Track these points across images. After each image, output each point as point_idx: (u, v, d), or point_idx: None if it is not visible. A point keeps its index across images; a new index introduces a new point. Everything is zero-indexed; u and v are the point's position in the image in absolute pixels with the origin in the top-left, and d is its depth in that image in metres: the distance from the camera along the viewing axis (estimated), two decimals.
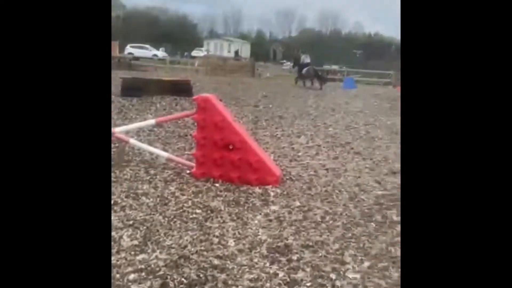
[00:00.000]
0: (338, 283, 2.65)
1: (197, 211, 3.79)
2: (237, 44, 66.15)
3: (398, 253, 3.06)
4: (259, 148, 4.97)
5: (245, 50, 66.38)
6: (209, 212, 3.78)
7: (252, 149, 4.58)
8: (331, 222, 3.64)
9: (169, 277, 2.62)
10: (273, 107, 11.54)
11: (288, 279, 2.66)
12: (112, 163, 5.06)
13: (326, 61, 49.37)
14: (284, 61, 54.03)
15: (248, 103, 12.12)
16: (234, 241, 3.18)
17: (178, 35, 65.14)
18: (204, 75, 25.06)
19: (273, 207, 3.96)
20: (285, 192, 4.39)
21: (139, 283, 2.56)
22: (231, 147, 4.69)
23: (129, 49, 43.65)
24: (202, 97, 4.67)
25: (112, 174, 4.67)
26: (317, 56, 38.48)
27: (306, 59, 21.75)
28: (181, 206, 3.88)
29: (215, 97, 4.84)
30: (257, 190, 4.39)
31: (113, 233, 3.19)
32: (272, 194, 4.30)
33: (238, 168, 4.56)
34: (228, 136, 4.57)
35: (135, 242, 3.10)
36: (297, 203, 4.09)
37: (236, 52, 43.27)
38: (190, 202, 3.99)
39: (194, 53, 52.75)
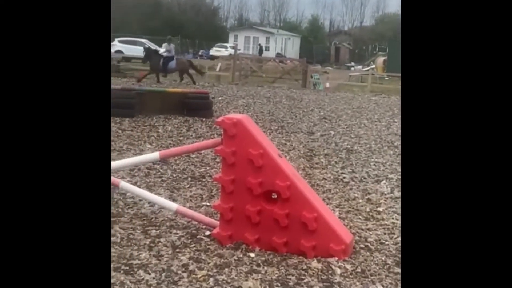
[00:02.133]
0: None
1: None
2: (280, 37, 67.06)
3: None
4: (317, 198, 4.98)
5: (293, 47, 67.15)
6: None
7: (307, 200, 4.59)
8: None
9: None
10: (336, 135, 11.57)
11: None
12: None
13: None
14: (352, 63, 54.25)
15: (299, 129, 12.23)
16: None
17: (190, 25, 66.81)
18: (230, 84, 25.51)
19: None
20: (358, 269, 4.36)
21: None
22: (274, 196, 4.70)
23: (117, 45, 45.15)
24: (230, 119, 4.75)
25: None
26: None
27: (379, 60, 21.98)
28: (198, 286, 3.90)
29: (250, 119, 4.93)
30: (315, 264, 4.37)
31: None
32: (338, 272, 4.28)
33: (285, 229, 4.57)
34: (270, 180, 4.61)
35: None
36: None
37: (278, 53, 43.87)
38: (211, 280, 4.00)
39: (214, 51, 53.91)
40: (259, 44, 55.56)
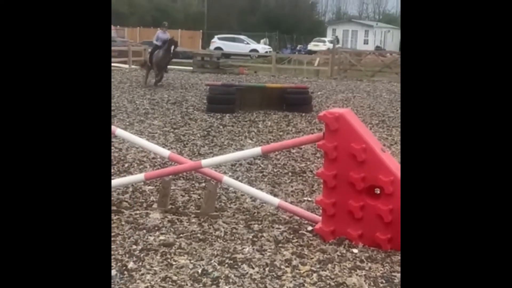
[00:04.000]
0: None
1: None
2: (379, 30, 65.99)
3: None
4: None
5: (393, 40, 65.85)
6: None
7: None
8: None
9: None
10: None
11: None
12: (197, 211, 5.32)
13: None
14: None
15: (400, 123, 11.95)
16: None
17: (288, 20, 66.99)
18: (329, 78, 25.37)
19: None
20: None
21: None
22: (378, 191, 4.63)
23: (217, 42, 46.10)
24: (332, 114, 4.71)
25: (199, 228, 4.90)
26: None
27: None
28: (302, 282, 3.92)
29: (352, 113, 4.87)
30: None
31: None
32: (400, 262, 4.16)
33: (389, 225, 4.50)
34: (374, 174, 4.55)
35: None
36: None
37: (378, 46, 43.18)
38: (314, 276, 4.01)
39: (313, 45, 53.76)
40: (336, 36, 54.20)
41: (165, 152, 5.86)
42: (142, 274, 3.94)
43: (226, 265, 4.15)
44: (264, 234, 4.83)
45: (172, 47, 17.30)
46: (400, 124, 10.52)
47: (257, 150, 5.50)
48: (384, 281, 3.97)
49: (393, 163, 4.75)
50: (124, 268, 4.02)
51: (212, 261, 4.19)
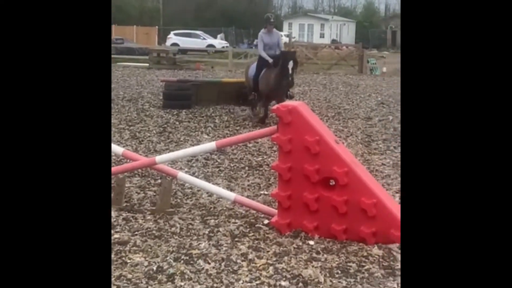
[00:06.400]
0: None
1: (283, 283, 3.78)
2: (335, 23, 66.52)
3: None
4: (376, 184, 4.90)
5: (348, 33, 66.45)
6: (301, 285, 3.76)
7: (366, 186, 4.53)
8: None
9: None
10: (394, 120, 11.39)
11: None
12: (153, 208, 5.27)
13: None
14: None
15: (356, 115, 12.10)
16: None
17: (244, 15, 66.97)
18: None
19: None
20: None
21: None
22: (332, 183, 4.66)
23: (173, 38, 45.75)
24: (285, 107, 4.72)
25: (154, 225, 4.85)
26: None
27: None
28: (258, 275, 3.91)
29: (305, 106, 4.89)
30: (376, 251, 4.33)
31: None
32: (400, 258, 4.21)
33: (344, 216, 4.53)
34: (328, 166, 4.57)
35: None
36: None
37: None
38: (270, 269, 4.01)
39: None
40: (287, 34, 54.16)
41: (119, 149, 5.79)
42: None
43: (182, 261, 4.12)
44: (221, 229, 4.81)
45: (291, 64, 9.82)
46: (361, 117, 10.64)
47: (211, 145, 5.47)
48: (339, 272, 3.99)
49: (347, 155, 4.79)
50: None
51: (168, 258, 4.16)
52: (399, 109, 13.06)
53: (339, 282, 3.84)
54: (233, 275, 3.92)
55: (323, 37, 61.80)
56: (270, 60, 10.18)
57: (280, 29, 61.84)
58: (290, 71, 9.67)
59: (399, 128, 10.36)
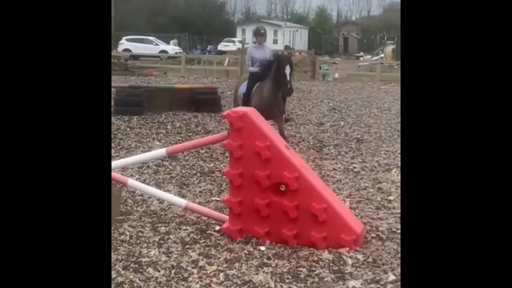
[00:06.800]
0: None
1: None
2: (288, 30, 67.01)
3: None
4: (327, 189, 4.94)
5: (301, 39, 67.03)
6: None
7: (316, 191, 4.56)
8: None
9: None
10: (346, 126, 11.52)
11: None
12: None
13: None
14: (361, 53, 54.08)
15: (308, 120, 12.19)
16: None
17: (197, 21, 66.87)
18: (238, 78, 25.47)
19: (352, 283, 3.90)
20: (370, 259, 4.33)
21: None
22: (283, 188, 4.67)
23: (125, 43, 45.28)
24: (235, 112, 4.73)
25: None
26: None
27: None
28: (208, 282, 3.89)
29: (256, 112, 4.90)
30: (326, 255, 4.35)
31: None
32: (350, 262, 4.25)
33: (295, 221, 4.54)
34: (278, 172, 4.58)
35: None
36: (391, 277, 4.00)
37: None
38: (221, 275, 3.99)
39: (223, 46, 53.88)
40: (240, 41, 53.68)
41: None
42: None
43: (131, 269, 4.07)
44: (171, 236, 4.78)
45: (288, 69, 8.49)
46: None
47: (162, 151, 5.43)
48: (290, 277, 4.00)
49: (298, 160, 4.81)
50: None
51: (116, 266, 4.10)
52: (350, 114, 13.26)
53: (290, 287, 3.85)
54: (183, 282, 3.89)
55: (276, 43, 62.08)
56: (258, 70, 8.91)
57: (234, 36, 62.17)
58: (288, 77, 8.41)
59: (350, 133, 10.51)
